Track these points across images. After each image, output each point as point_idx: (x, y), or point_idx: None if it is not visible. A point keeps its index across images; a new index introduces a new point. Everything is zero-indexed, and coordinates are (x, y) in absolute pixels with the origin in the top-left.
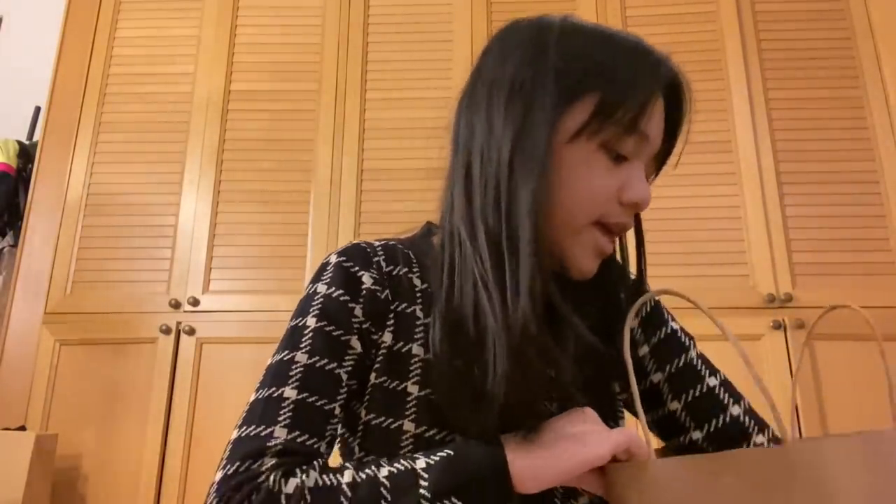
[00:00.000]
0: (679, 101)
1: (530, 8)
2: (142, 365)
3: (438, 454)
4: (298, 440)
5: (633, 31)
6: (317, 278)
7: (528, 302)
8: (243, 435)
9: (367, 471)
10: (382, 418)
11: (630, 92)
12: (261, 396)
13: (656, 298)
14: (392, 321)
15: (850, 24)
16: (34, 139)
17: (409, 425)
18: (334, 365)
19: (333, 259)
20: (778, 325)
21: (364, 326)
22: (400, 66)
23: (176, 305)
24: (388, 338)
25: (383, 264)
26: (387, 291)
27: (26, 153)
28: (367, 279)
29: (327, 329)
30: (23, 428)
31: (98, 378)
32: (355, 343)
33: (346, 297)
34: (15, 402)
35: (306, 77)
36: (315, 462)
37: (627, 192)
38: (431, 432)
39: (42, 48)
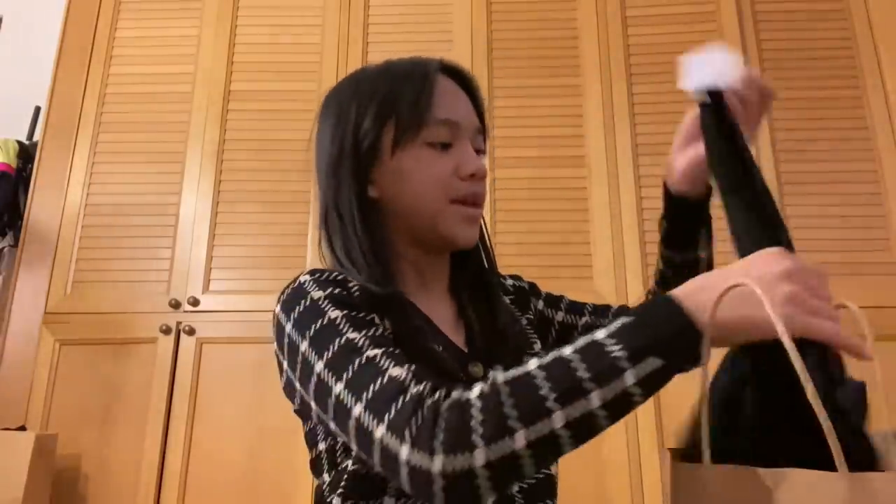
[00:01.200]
0: (469, 84)
1: (530, 8)
2: (142, 365)
3: (613, 326)
4: (421, 373)
5: (633, 31)
6: (299, 294)
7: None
8: (371, 395)
9: (547, 357)
10: None
11: (413, 98)
12: (351, 372)
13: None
14: (380, 311)
15: (850, 24)
16: (34, 139)
17: None
18: (381, 331)
19: (307, 276)
20: None
21: (372, 311)
22: None
23: (176, 305)
24: (387, 323)
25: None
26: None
27: (26, 153)
28: (348, 280)
29: (352, 314)
30: (23, 428)
31: (98, 378)
32: (377, 320)
33: (344, 292)
34: (15, 402)
35: (306, 77)
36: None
37: (462, 168)
38: None
39: (42, 48)
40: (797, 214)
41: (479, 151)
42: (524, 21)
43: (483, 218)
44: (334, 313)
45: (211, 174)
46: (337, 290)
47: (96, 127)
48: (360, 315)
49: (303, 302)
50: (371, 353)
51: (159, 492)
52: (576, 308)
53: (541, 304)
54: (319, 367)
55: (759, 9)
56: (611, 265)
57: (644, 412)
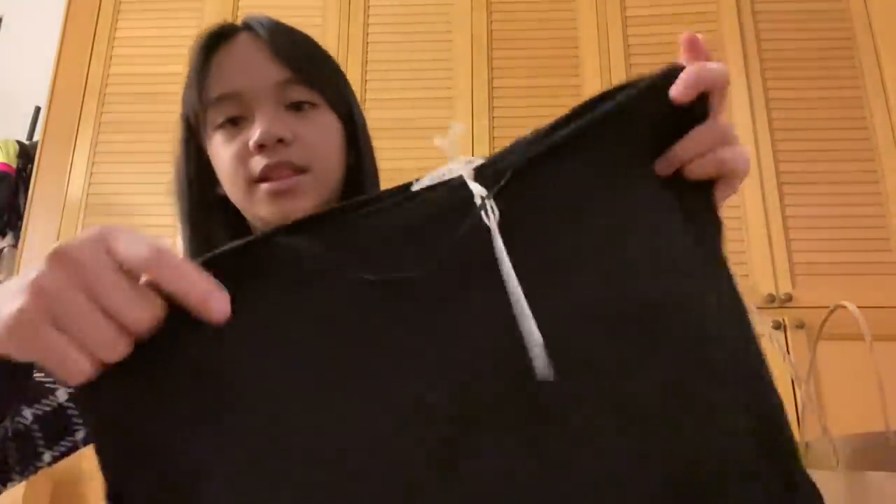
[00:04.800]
0: (260, 35)
1: (530, 8)
2: None
3: None
4: None
5: (633, 31)
6: None
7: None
8: None
9: None
10: None
11: (188, 85)
12: None
13: None
14: None
15: (850, 24)
16: (34, 139)
17: None
18: None
19: None
20: (778, 326)
21: None
22: (400, 66)
23: None
24: None
25: None
26: None
27: (26, 153)
28: None
29: None
30: None
31: None
32: None
33: None
34: None
35: None
36: None
37: (250, 141)
38: None
39: (42, 48)
40: (797, 214)
41: (297, 105)
42: (524, 21)
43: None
44: None
45: None
46: None
47: (96, 127)
48: None
49: None
50: None
51: None
52: None
53: None
54: None
55: (759, 9)
56: None
57: None
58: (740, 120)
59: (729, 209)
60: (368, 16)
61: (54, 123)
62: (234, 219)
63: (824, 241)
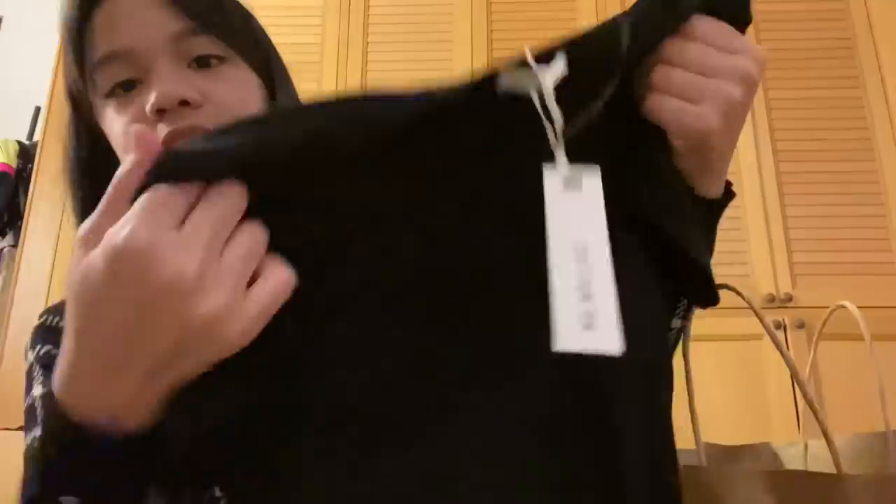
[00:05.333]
0: None
1: (530, 8)
2: None
3: None
4: None
5: None
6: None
7: None
8: None
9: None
10: None
11: (67, 48)
12: None
13: None
14: None
15: (850, 24)
16: (34, 139)
17: None
18: None
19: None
20: (778, 326)
21: None
22: (400, 66)
23: None
24: None
25: None
26: None
27: (26, 153)
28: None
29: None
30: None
31: None
32: None
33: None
34: (15, 402)
35: (306, 77)
36: None
37: (146, 106)
38: None
39: (42, 48)
40: (797, 214)
41: (203, 60)
42: (524, 21)
43: None
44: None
45: None
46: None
47: None
48: None
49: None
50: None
51: None
52: None
53: None
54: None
55: (760, 9)
56: None
57: None
58: None
59: (729, 209)
60: (368, 16)
61: (54, 123)
62: None
63: (824, 241)
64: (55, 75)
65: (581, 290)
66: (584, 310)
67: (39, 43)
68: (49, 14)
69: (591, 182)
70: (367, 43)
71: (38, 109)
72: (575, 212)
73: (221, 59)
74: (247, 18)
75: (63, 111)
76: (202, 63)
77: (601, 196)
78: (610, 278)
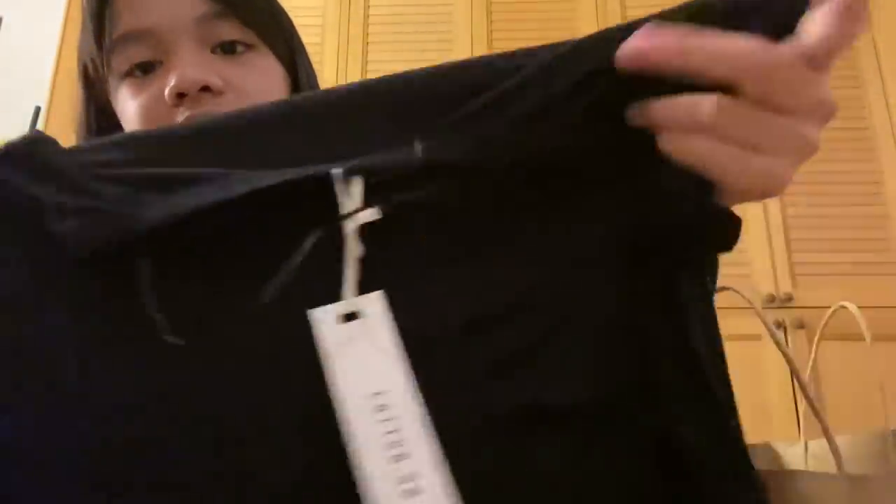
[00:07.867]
0: None
1: (530, 8)
2: None
3: None
4: None
5: None
6: None
7: None
8: None
9: None
10: None
11: (87, 20)
12: None
13: None
14: None
15: None
16: None
17: None
18: None
19: None
20: (778, 325)
21: None
22: (400, 66)
23: None
24: None
25: None
26: None
27: None
28: None
29: None
30: None
31: None
32: None
33: None
34: None
35: None
36: None
37: (165, 89)
38: None
39: (42, 48)
40: (797, 214)
41: (229, 46)
42: (524, 21)
43: None
44: None
45: None
46: None
47: None
48: None
49: None
50: None
51: None
52: None
53: None
54: None
55: None
56: None
57: None
58: None
59: None
60: (368, 16)
61: (54, 123)
62: None
63: (824, 241)
64: (55, 75)
65: (392, 450)
66: (404, 472)
67: (39, 43)
68: (49, 14)
69: (375, 311)
70: (367, 43)
71: (38, 109)
72: (360, 356)
73: (248, 47)
74: (276, 5)
75: (63, 111)
76: (227, 49)
77: (391, 327)
78: (425, 427)
